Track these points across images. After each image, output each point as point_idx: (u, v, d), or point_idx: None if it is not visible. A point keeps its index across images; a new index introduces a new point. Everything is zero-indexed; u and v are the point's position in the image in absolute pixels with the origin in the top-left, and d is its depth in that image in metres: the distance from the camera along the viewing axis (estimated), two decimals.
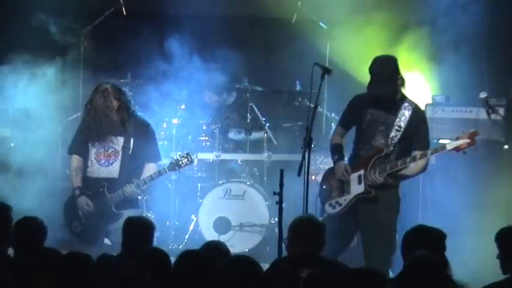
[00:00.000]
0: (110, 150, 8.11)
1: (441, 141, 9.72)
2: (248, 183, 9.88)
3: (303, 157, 7.52)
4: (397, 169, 7.55)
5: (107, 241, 8.18)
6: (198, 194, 9.99)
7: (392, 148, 7.59)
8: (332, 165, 7.85)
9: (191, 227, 9.80)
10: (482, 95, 9.15)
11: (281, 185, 7.25)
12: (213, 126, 10.13)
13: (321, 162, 9.58)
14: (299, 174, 7.62)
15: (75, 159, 8.18)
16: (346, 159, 7.77)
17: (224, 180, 9.89)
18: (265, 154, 10.09)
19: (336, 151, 7.83)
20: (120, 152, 8.08)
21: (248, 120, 10.29)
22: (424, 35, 10.05)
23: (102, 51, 10.37)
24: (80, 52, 10.32)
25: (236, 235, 9.70)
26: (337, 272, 5.32)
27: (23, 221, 6.15)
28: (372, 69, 7.56)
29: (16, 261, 5.71)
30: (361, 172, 7.63)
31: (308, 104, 8.45)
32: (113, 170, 8.08)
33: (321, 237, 6.28)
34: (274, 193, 7.30)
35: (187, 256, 5.14)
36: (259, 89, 10.49)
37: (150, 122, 8.25)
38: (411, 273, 5.06)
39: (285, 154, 10.05)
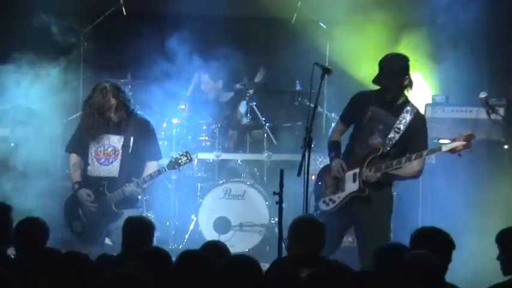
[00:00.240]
0: (109, 149, 8.11)
1: (441, 141, 9.75)
2: (248, 183, 9.88)
3: (303, 157, 7.52)
4: (392, 169, 7.55)
5: (107, 241, 8.18)
6: (198, 194, 9.99)
7: (389, 149, 7.60)
8: (328, 162, 7.86)
9: (191, 227, 9.80)
10: (482, 95, 9.15)
11: (281, 185, 7.25)
12: (213, 126, 10.13)
13: (321, 162, 9.58)
14: (299, 174, 7.62)
15: (73, 157, 8.19)
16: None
17: (224, 180, 9.89)
18: (265, 154, 10.10)
19: (333, 149, 7.85)
20: (120, 151, 8.08)
21: (248, 120, 10.29)
22: (424, 35, 10.05)
23: (102, 51, 10.38)
24: (80, 52, 10.32)
25: (236, 235, 9.71)
26: (337, 272, 5.31)
27: (25, 222, 6.15)
28: (381, 63, 7.59)
29: (16, 262, 5.71)
30: (357, 170, 7.65)
31: (308, 104, 8.45)
32: (113, 169, 8.09)
33: (321, 237, 6.28)
34: (274, 193, 7.30)
35: (187, 256, 5.14)
36: (259, 89, 10.48)
37: (150, 120, 8.25)
38: (410, 273, 5.06)
39: (285, 154, 10.05)
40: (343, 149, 7.84)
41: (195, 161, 9.99)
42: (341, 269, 5.32)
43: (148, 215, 9.33)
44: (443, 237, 5.70)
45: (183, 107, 10.19)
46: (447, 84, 9.87)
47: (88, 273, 4.91)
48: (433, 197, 9.53)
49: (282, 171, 7.36)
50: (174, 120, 10.09)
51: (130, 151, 8.08)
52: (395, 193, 9.81)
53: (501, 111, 9.20)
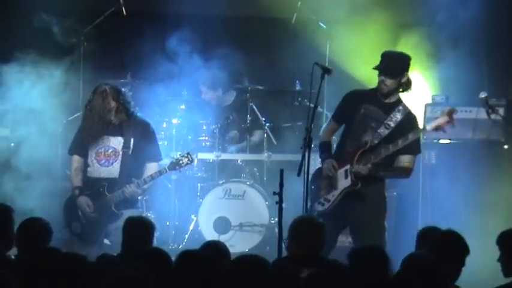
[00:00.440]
0: (109, 151, 8.13)
1: (441, 141, 9.76)
2: (248, 183, 9.88)
3: (303, 157, 7.52)
4: (381, 157, 7.55)
5: (106, 241, 8.18)
6: (198, 194, 9.99)
7: (377, 142, 7.62)
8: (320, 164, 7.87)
9: (191, 227, 9.80)
10: (482, 95, 9.15)
11: (281, 185, 7.25)
12: (213, 126, 10.13)
13: (321, 162, 9.58)
14: (299, 174, 7.63)
15: (76, 160, 8.21)
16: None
17: (224, 180, 9.89)
18: (265, 154, 10.09)
19: (325, 149, 7.88)
20: (120, 152, 8.11)
21: (248, 121, 10.28)
22: (424, 35, 10.05)
23: (102, 51, 10.37)
24: (80, 52, 10.32)
25: (236, 235, 9.70)
26: (337, 272, 5.31)
27: (28, 222, 6.16)
28: (384, 55, 7.69)
29: (16, 262, 5.71)
30: (347, 167, 7.68)
31: (308, 104, 8.45)
32: (113, 170, 8.11)
33: (321, 236, 6.28)
34: (274, 193, 7.30)
35: (186, 256, 5.14)
36: (260, 88, 10.48)
37: (150, 122, 8.27)
38: (409, 273, 5.06)
39: (285, 154, 10.05)
40: (334, 147, 7.89)
41: (195, 161, 9.99)
42: (341, 269, 5.33)
43: (148, 215, 9.33)
44: (459, 241, 5.71)
45: (183, 107, 10.18)
46: (447, 84, 9.87)
47: (86, 274, 4.91)
48: (433, 197, 9.53)
49: (282, 171, 7.36)
50: (174, 120, 10.08)
51: (130, 152, 8.10)
52: (395, 193, 9.87)
53: (501, 111, 9.20)
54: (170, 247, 9.48)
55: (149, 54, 10.10)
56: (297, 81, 10.50)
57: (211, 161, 10.12)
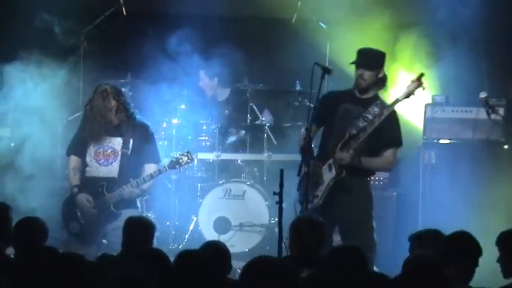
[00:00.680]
0: (109, 151, 8.15)
1: (441, 140, 9.76)
2: (248, 183, 9.88)
3: (303, 157, 7.53)
4: (361, 140, 7.60)
5: (104, 241, 8.17)
6: (198, 194, 9.99)
7: (355, 132, 7.64)
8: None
9: (191, 227, 9.80)
10: (482, 95, 9.16)
11: (281, 185, 7.25)
12: (213, 126, 10.13)
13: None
14: (299, 174, 7.64)
15: (73, 160, 8.23)
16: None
17: (224, 180, 9.89)
18: (265, 154, 10.09)
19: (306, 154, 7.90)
20: (119, 153, 8.12)
21: (248, 121, 10.28)
22: (424, 34, 10.05)
23: (102, 51, 10.37)
24: (80, 52, 10.32)
25: (236, 235, 9.70)
26: (336, 272, 5.31)
27: (24, 221, 6.16)
28: (360, 49, 7.85)
29: (15, 261, 5.71)
30: (330, 161, 7.71)
31: (308, 104, 8.46)
32: (112, 169, 8.12)
33: (320, 236, 6.29)
34: (274, 193, 7.30)
35: (185, 256, 5.13)
36: (260, 88, 10.47)
37: (149, 124, 8.29)
38: (412, 272, 5.06)
39: (285, 154, 10.05)
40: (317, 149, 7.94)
41: (195, 161, 9.99)
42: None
43: (149, 215, 9.33)
44: (470, 241, 5.72)
45: (183, 107, 10.18)
46: (447, 85, 9.87)
47: (84, 273, 4.91)
48: (433, 197, 9.53)
49: (282, 171, 7.36)
50: (174, 120, 10.08)
51: (129, 153, 8.13)
52: (395, 193, 9.89)
53: (501, 111, 9.20)
54: (170, 247, 9.47)
55: (149, 54, 10.10)
56: (297, 81, 10.50)
57: (211, 161, 10.12)
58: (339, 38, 10.19)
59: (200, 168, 10.14)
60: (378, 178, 10.03)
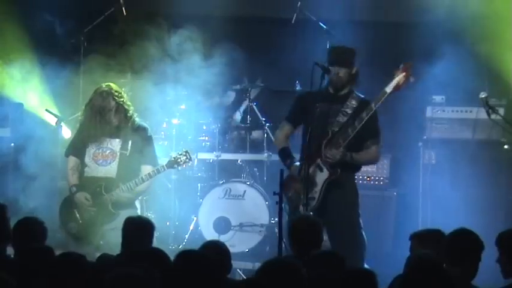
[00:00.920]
0: (107, 152, 8.17)
1: (441, 141, 9.75)
2: (248, 183, 9.88)
3: (304, 157, 7.54)
4: (351, 137, 7.62)
5: (101, 242, 8.16)
6: (198, 194, 9.99)
7: (337, 129, 7.64)
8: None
9: (191, 227, 9.80)
10: (482, 95, 9.15)
11: (281, 185, 7.25)
12: (213, 126, 10.13)
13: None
14: (299, 174, 7.64)
15: (72, 160, 8.26)
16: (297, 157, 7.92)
17: (224, 180, 9.89)
18: (265, 154, 10.08)
19: (287, 155, 7.94)
20: (118, 153, 8.15)
21: (248, 121, 10.28)
22: (424, 34, 10.05)
23: (102, 51, 10.36)
24: (80, 52, 10.31)
25: (236, 235, 9.69)
26: (336, 272, 5.31)
27: (23, 221, 6.16)
28: (331, 48, 7.99)
29: (15, 261, 5.70)
30: (318, 161, 7.70)
31: None
32: (111, 169, 8.14)
33: (318, 234, 6.30)
34: (274, 193, 7.31)
35: (184, 255, 5.13)
36: (259, 88, 10.47)
37: (148, 127, 8.30)
38: (415, 272, 5.06)
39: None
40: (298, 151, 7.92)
41: (195, 161, 9.99)
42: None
43: (149, 215, 9.32)
44: (471, 237, 5.72)
45: (183, 107, 10.18)
46: (447, 85, 9.86)
47: (85, 273, 4.91)
48: (433, 197, 9.54)
49: (282, 171, 7.36)
50: (174, 120, 10.08)
51: (128, 154, 8.15)
52: (395, 193, 9.89)
53: (501, 111, 9.20)
54: (170, 247, 9.47)
55: (149, 54, 10.09)
56: (297, 81, 10.49)
57: (211, 161, 10.12)
58: (339, 38, 10.18)
59: (200, 168, 10.14)
60: (378, 178, 10.04)
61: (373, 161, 8.14)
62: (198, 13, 10.75)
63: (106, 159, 8.16)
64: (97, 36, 10.46)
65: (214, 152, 10.02)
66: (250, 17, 11.24)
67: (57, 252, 5.33)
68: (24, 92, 10.07)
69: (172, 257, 5.34)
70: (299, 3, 10.47)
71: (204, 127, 10.21)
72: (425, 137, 9.81)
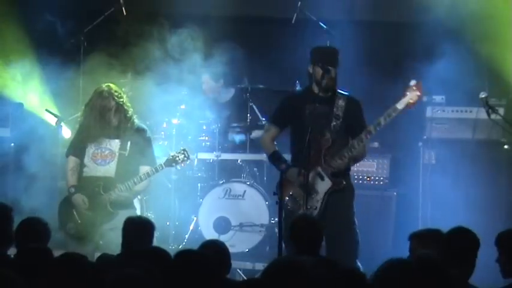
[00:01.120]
0: (106, 152, 8.18)
1: (441, 141, 9.75)
2: (248, 183, 9.88)
3: (303, 157, 7.53)
4: (356, 149, 7.64)
5: (100, 242, 8.16)
6: (198, 194, 9.99)
7: (335, 136, 7.64)
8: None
9: (191, 227, 9.80)
10: (482, 95, 9.15)
11: (281, 185, 7.25)
12: (213, 126, 10.13)
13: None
14: (299, 173, 7.64)
15: (72, 160, 8.27)
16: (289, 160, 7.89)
17: (224, 180, 9.89)
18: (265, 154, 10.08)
19: (280, 159, 7.88)
20: (117, 154, 8.16)
21: (248, 121, 10.28)
22: (424, 34, 10.05)
23: (102, 51, 10.37)
24: (80, 52, 10.32)
25: (236, 235, 9.70)
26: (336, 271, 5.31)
27: (27, 222, 6.16)
28: (316, 49, 7.92)
29: (16, 262, 5.70)
30: (318, 169, 7.66)
31: None
32: (109, 169, 8.14)
33: (319, 234, 6.30)
34: (274, 193, 7.32)
35: (182, 255, 5.13)
36: (260, 88, 10.47)
37: (147, 129, 8.31)
38: (416, 273, 5.06)
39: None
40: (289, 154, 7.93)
41: (195, 161, 9.99)
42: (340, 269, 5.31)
43: (149, 215, 9.33)
44: (467, 235, 5.73)
45: (183, 107, 10.18)
46: (447, 84, 9.87)
47: (86, 273, 4.91)
48: (433, 197, 9.54)
49: (282, 171, 7.37)
50: (174, 120, 10.08)
51: (127, 154, 8.15)
52: (395, 193, 9.89)
53: (501, 111, 9.20)
54: (170, 247, 9.47)
55: (149, 54, 10.09)
56: (297, 81, 10.49)
57: (211, 161, 10.12)
58: (339, 38, 10.18)
59: (200, 168, 10.14)
60: (378, 178, 10.04)
61: (363, 158, 8.14)
62: (197, 13, 10.76)
63: (105, 159, 8.17)
64: (97, 36, 10.46)
65: (214, 152, 10.02)
66: (250, 17, 11.24)
67: (57, 253, 5.33)
68: (24, 92, 10.08)
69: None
70: (299, 3, 10.48)
71: (204, 127, 10.21)
72: (425, 137, 9.81)
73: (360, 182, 9.80)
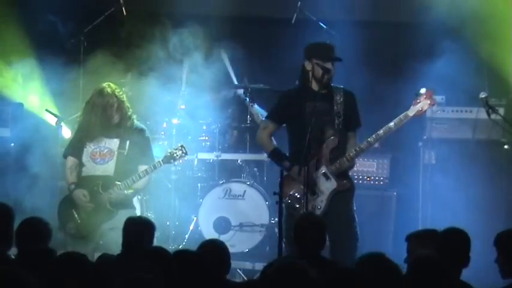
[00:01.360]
0: (105, 151, 8.19)
1: (441, 141, 9.75)
2: (248, 183, 9.88)
3: (304, 157, 7.53)
4: (368, 149, 7.72)
5: (100, 242, 8.16)
6: (198, 194, 9.99)
7: (339, 135, 7.64)
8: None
9: (191, 227, 9.80)
10: (482, 95, 9.15)
11: (281, 185, 7.25)
12: (213, 126, 10.13)
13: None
14: (299, 173, 7.63)
15: (70, 160, 8.29)
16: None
17: (224, 180, 9.89)
18: (265, 154, 10.07)
19: (282, 156, 7.83)
20: (116, 153, 8.16)
21: (248, 121, 10.28)
22: (424, 34, 10.05)
23: (102, 51, 10.37)
24: (80, 52, 10.32)
25: (236, 235, 9.70)
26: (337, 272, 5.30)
27: (28, 222, 6.15)
28: (313, 45, 7.90)
29: (16, 262, 5.71)
30: (323, 169, 7.65)
31: None
32: (108, 168, 8.15)
33: (321, 234, 6.29)
34: (274, 193, 7.31)
35: (180, 255, 5.12)
36: (260, 88, 10.47)
37: (146, 128, 8.31)
38: (417, 273, 5.06)
39: None
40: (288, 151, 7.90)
41: (195, 161, 10.00)
42: (341, 269, 5.31)
43: (149, 215, 9.33)
44: (459, 235, 5.74)
45: (183, 107, 10.18)
46: (447, 84, 9.87)
47: (86, 273, 4.91)
48: (433, 197, 9.53)
49: (282, 171, 7.37)
50: (174, 120, 10.08)
51: (125, 153, 8.15)
52: (395, 193, 9.89)
53: (501, 111, 9.20)
54: (170, 247, 9.46)
55: (149, 54, 10.10)
56: (297, 82, 10.48)
57: (211, 161, 10.12)
58: (339, 38, 10.18)
59: (200, 168, 10.14)
60: (378, 178, 10.04)
61: None
62: (197, 13, 10.75)
63: (104, 158, 8.16)
64: (97, 36, 10.47)
65: (214, 152, 10.02)
66: (251, 17, 11.24)
67: (57, 253, 5.33)
68: (25, 92, 10.07)
69: None
70: (299, 3, 10.48)
71: (204, 127, 10.21)
72: (425, 137, 9.81)
73: (360, 182, 9.80)
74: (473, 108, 9.62)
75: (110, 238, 7.82)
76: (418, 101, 7.76)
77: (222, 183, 9.86)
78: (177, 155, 8.27)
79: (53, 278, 4.85)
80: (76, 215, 8.10)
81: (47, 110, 9.78)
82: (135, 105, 8.55)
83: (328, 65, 7.72)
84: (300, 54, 10.21)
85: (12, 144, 10.02)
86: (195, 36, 10.03)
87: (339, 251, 7.46)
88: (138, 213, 8.46)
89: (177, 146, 8.36)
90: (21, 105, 10.22)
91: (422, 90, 7.82)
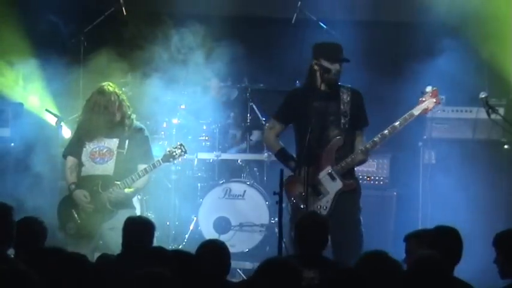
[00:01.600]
0: (104, 150, 8.19)
1: (441, 140, 9.75)
2: (248, 183, 9.88)
3: (304, 157, 7.53)
4: (375, 148, 7.70)
5: (100, 242, 8.16)
6: (198, 194, 9.98)
7: (345, 135, 7.63)
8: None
9: (191, 227, 9.80)
10: (482, 95, 9.15)
11: (281, 185, 7.25)
12: (213, 126, 10.13)
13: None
14: (299, 173, 7.63)
15: (70, 160, 8.29)
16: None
17: (224, 180, 9.89)
18: (265, 154, 10.08)
19: (288, 157, 7.83)
20: (115, 152, 8.16)
21: (248, 120, 10.28)
22: (424, 34, 10.05)
23: (102, 51, 10.37)
24: (80, 52, 10.32)
25: (236, 235, 9.70)
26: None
27: (23, 221, 6.15)
28: (321, 45, 7.85)
29: (14, 261, 5.70)
30: (328, 169, 7.64)
31: None
32: (108, 167, 8.14)
33: (323, 234, 6.27)
34: (274, 193, 7.30)
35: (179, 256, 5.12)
36: (259, 88, 10.48)
37: (145, 128, 8.32)
38: (417, 273, 5.06)
39: None
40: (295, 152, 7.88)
41: (195, 161, 9.99)
42: (342, 270, 5.31)
43: (148, 215, 9.33)
44: (451, 234, 5.75)
45: (183, 107, 10.18)
46: (447, 84, 9.87)
47: (86, 273, 4.91)
48: (433, 197, 9.53)
49: (282, 171, 7.36)
50: (174, 120, 10.08)
51: (125, 153, 8.15)
52: (395, 193, 9.88)
53: (501, 111, 9.20)
54: (170, 247, 9.46)
55: (149, 54, 10.10)
56: (297, 81, 10.49)
57: (211, 161, 10.12)
58: (339, 38, 10.18)
59: (200, 168, 10.14)
60: (378, 178, 10.04)
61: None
62: (197, 13, 10.75)
63: (103, 157, 8.16)
64: (97, 36, 10.47)
65: (214, 152, 10.02)
66: (251, 17, 11.24)
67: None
68: (25, 92, 10.07)
69: None
70: (299, 3, 10.48)
71: (204, 127, 10.21)
72: (425, 136, 9.81)
73: (360, 182, 9.76)
74: (473, 108, 9.62)
75: (110, 238, 7.82)
76: (424, 99, 7.74)
77: (222, 183, 9.86)
78: (176, 154, 8.26)
79: (53, 278, 4.85)
80: (76, 215, 8.10)
81: (47, 110, 9.78)
82: (135, 105, 8.55)
83: (336, 66, 7.69)
84: (300, 54, 10.24)
85: (13, 144, 10.02)
86: (195, 35, 10.03)
87: (343, 252, 7.45)
88: (138, 213, 8.45)
89: (176, 145, 8.36)
90: (21, 105, 10.21)
91: (428, 88, 7.80)
